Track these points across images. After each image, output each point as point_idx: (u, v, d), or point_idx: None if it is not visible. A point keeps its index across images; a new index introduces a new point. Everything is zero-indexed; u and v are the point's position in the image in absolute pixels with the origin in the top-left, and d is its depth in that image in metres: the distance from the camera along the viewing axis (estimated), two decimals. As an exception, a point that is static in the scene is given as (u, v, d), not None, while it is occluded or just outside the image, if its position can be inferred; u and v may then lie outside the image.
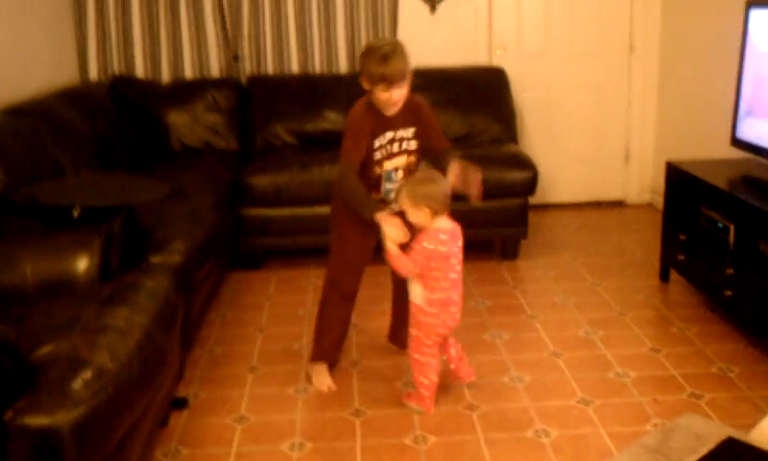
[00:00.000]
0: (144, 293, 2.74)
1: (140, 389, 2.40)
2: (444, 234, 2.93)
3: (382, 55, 2.97)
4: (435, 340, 3.05)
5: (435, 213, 2.91)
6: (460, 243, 3.02)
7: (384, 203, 3.15)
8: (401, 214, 2.99)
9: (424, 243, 2.92)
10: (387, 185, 3.19)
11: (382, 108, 3.07)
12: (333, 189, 3.30)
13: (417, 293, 3.02)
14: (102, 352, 2.28)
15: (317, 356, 3.37)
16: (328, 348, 3.38)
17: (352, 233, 3.22)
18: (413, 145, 3.20)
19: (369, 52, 3.05)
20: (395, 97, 3.02)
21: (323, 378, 3.31)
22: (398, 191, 3.04)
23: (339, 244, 3.28)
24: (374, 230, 2.99)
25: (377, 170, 3.15)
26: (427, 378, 3.07)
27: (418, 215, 2.93)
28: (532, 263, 4.68)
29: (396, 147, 3.15)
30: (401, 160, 3.18)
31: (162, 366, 2.62)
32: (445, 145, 3.30)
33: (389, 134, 3.13)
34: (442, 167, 3.16)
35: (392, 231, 2.87)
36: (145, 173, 4.29)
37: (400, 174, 3.19)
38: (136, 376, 2.37)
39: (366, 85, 3.06)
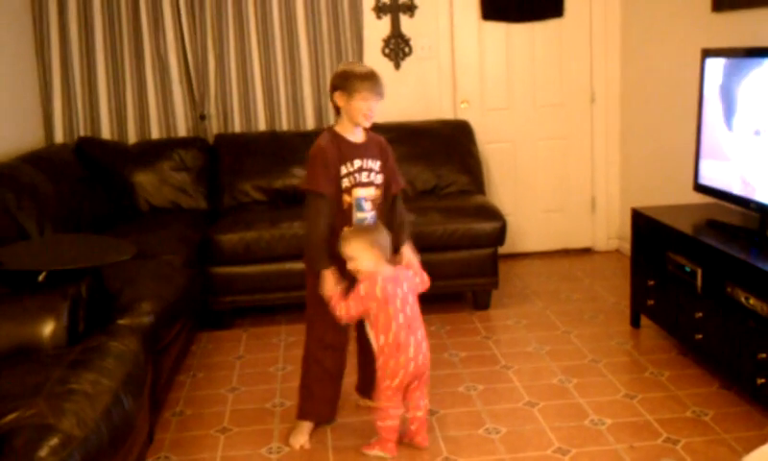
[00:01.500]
0: (112, 356, 2.70)
1: (108, 455, 2.34)
2: (383, 280, 3.00)
3: (362, 70, 3.18)
4: (398, 384, 3.03)
5: (378, 259, 3.02)
6: (407, 286, 3.07)
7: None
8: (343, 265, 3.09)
9: (360, 288, 3.01)
10: (358, 215, 3.17)
11: (358, 121, 3.14)
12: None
13: (371, 337, 3.09)
14: (69, 418, 2.23)
15: (304, 415, 3.29)
16: (318, 405, 3.30)
17: (324, 275, 3.15)
18: (380, 179, 3.23)
19: (346, 69, 3.19)
20: (373, 109, 3.13)
21: (299, 437, 3.24)
22: (343, 237, 3.08)
23: (319, 300, 3.16)
24: (344, 272, 3.09)
25: (347, 198, 3.15)
26: (387, 422, 3.07)
27: (362, 260, 3.02)
28: (504, 313, 4.69)
29: (364, 176, 3.17)
30: (370, 192, 3.20)
31: (131, 430, 2.56)
32: (401, 186, 3.40)
33: (357, 162, 3.15)
34: (390, 212, 3.32)
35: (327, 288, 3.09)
36: (112, 234, 4.25)
37: (369, 205, 3.20)
38: (105, 442, 2.31)
39: (341, 101, 3.13)
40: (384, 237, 3.09)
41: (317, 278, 3.16)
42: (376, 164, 3.22)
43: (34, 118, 5.14)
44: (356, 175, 3.15)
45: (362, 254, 3.03)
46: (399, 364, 3.00)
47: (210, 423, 3.47)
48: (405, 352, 3.00)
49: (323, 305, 3.15)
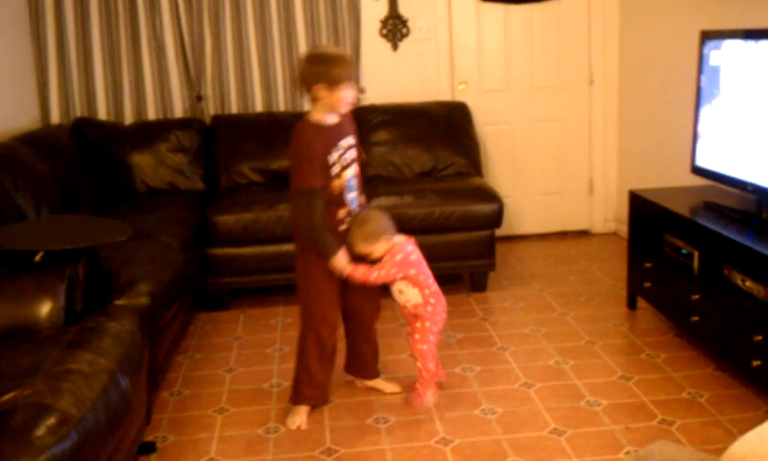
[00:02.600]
0: (108, 336, 2.70)
1: (106, 434, 2.35)
2: (405, 245, 3.29)
3: (339, 56, 3.10)
4: (438, 328, 3.35)
5: (390, 237, 3.26)
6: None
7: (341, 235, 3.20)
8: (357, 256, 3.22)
9: (396, 258, 3.24)
10: (349, 195, 3.20)
11: (342, 110, 3.12)
12: (295, 226, 3.26)
13: (413, 294, 3.31)
14: (66, 398, 2.23)
15: (302, 399, 3.29)
16: (316, 387, 3.30)
17: (322, 263, 3.18)
18: (355, 153, 3.24)
19: (322, 58, 3.10)
20: (353, 96, 3.12)
21: (296, 418, 3.26)
22: (349, 239, 3.21)
23: (312, 279, 3.21)
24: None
25: (337, 183, 3.14)
26: (431, 363, 3.34)
27: (378, 249, 3.24)
28: (501, 295, 4.69)
29: (348, 156, 3.18)
30: (354, 169, 3.22)
31: (128, 410, 2.57)
32: (363, 157, 3.42)
33: (341, 145, 3.15)
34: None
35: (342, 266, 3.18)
36: (109, 215, 4.25)
37: (355, 181, 3.23)
38: (102, 422, 2.32)
39: (322, 92, 3.05)
40: (384, 220, 3.27)
41: (311, 258, 3.18)
42: (352, 139, 3.23)
43: (30, 99, 5.12)
44: (342, 158, 3.15)
45: (375, 246, 3.23)
46: (444, 308, 3.35)
47: (208, 403, 3.48)
48: (442, 299, 3.36)
49: (321, 283, 3.19)
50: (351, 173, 3.20)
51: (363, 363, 3.50)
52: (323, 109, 3.11)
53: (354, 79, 3.12)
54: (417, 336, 3.33)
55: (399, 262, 3.25)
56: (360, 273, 3.21)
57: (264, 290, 4.74)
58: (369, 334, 3.47)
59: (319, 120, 3.13)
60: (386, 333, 3.96)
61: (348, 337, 3.50)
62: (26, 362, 2.44)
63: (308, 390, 3.30)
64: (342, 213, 3.18)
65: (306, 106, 5.31)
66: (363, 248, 3.21)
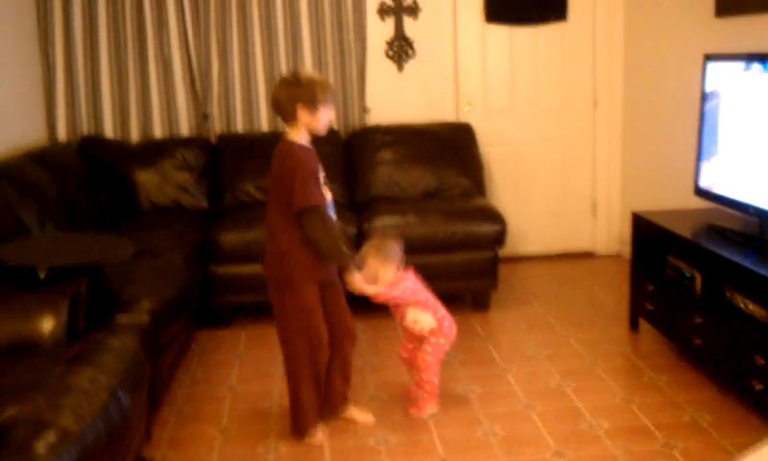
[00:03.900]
0: (110, 353, 2.70)
1: (106, 451, 2.34)
2: (409, 276, 3.42)
3: (320, 79, 3.16)
4: (448, 346, 3.49)
5: (398, 268, 3.37)
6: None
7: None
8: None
9: (406, 284, 3.38)
10: (332, 217, 3.22)
11: (318, 132, 3.15)
12: (276, 252, 3.18)
13: (426, 320, 3.43)
14: (66, 414, 2.23)
15: (303, 433, 3.25)
16: (314, 416, 3.26)
17: (310, 285, 3.17)
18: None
19: (303, 80, 3.09)
20: (332, 119, 3.20)
21: (319, 436, 3.25)
22: (363, 251, 3.36)
23: (302, 309, 3.17)
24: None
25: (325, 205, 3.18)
26: (436, 378, 3.46)
27: (387, 272, 3.33)
28: (503, 315, 4.69)
29: (323, 178, 3.20)
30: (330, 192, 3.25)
31: (129, 427, 2.57)
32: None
33: (320, 168, 3.19)
34: None
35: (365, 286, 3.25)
36: (113, 232, 4.27)
37: (333, 205, 3.26)
38: (102, 438, 2.32)
39: (305, 116, 3.07)
40: (399, 249, 3.41)
41: (294, 291, 3.15)
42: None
43: (37, 116, 5.15)
44: (323, 178, 3.19)
45: (386, 267, 3.34)
46: (454, 328, 3.47)
47: (208, 421, 3.48)
48: (454, 326, 3.49)
49: (314, 309, 3.18)
50: (329, 195, 3.22)
51: (332, 398, 3.39)
52: (302, 132, 3.13)
53: (333, 102, 3.17)
54: (429, 349, 3.43)
55: (411, 289, 3.38)
56: (374, 291, 3.30)
57: (266, 308, 4.71)
58: (344, 368, 3.38)
59: (302, 142, 3.14)
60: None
61: (330, 375, 3.39)
62: (27, 378, 2.44)
63: (308, 420, 3.25)
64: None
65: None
66: (374, 264, 3.30)
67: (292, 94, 3.08)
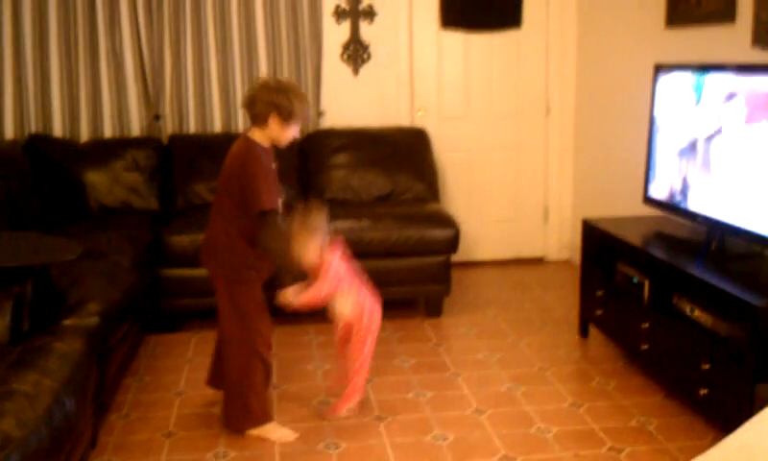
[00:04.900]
0: (54, 356, 2.65)
1: (49, 457, 2.29)
2: (334, 256, 3.33)
3: (302, 96, 3.17)
4: (377, 331, 3.47)
5: (324, 239, 3.30)
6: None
7: None
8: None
9: (331, 269, 3.30)
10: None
11: (281, 144, 3.19)
12: (225, 245, 3.22)
13: (347, 306, 3.40)
14: (8, 419, 2.18)
15: (255, 422, 3.28)
16: (266, 407, 3.33)
17: (255, 283, 3.23)
18: None
19: (288, 91, 3.12)
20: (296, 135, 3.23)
21: (281, 432, 3.28)
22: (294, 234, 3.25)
23: (248, 304, 3.23)
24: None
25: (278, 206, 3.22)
26: (363, 373, 3.47)
27: (312, 248, 3.26)
28: (455, 320, 4.71)
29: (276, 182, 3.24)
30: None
31: (73, 433, 2.52)
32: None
33: (274, 166, 3.22)
34: None
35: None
36: (60, 233, 4.17)
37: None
38: (45, 444, 2.27)
39: (274, 125, 3.11)
40: (324, 220, 3.33)
41: (242, 286, 3.21)
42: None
43: (-17, 113, 5.03)
44: (276, 183, 3.22)
45: (311, 242, 3.26)
46: (379, 314, 3.46)
47: (156, 426, 3.42)
48: (377, 306, 3.46)
49: (259, 307, 3.24)
50: (281, 199, 3.26)
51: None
52: (265, 137, 3.17)
53: (305, 120, 3.23)
54: (358, 345, 3.43)
55: (333, 275, 3.31)
56: (306, 299, 3.28)
57: (215, 312, 4.67)
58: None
59: (260, 141, 3.17)
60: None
61: (217, 350, 3.52)
62: (-33, 382, 2.38)
63: (260, 409, 3.29)
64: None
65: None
66: (300, 238, 3.23)
67: (270, 101, 3.10)
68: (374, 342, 3.47)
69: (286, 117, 3.10)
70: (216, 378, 3.53)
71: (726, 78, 3.45)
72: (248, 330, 3.24)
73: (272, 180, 3.14)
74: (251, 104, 3.16)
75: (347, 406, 3.46)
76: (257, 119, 3.14)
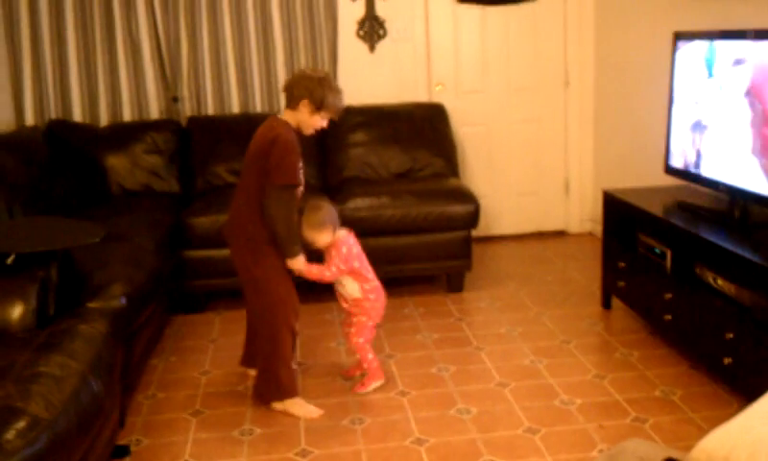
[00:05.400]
0: (80, 339, 2.68)
1: (77, 438, 2.33)
2: (347, 238, 3.43)
3: (338, 88, 3.27)
4: (374, 323, 3.53)
5: (334, 229, 3.40)
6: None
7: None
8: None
9: (341, 249, 3.39)
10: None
11: (306, 131, 3.29)
12: (253, 219, 3.27)
13: (354, 288, 3.46)
14: (36, 401, 2.22)
15: (286, 394, 3.34)
16: (294, 380, 3.39)
17: (277, 253, 3.28)
18: None
19: (326, 82, 3.23)
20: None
21: (307, 408, 3.33)
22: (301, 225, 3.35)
23: (278, 275, 3.30)
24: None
25: (301, 189, 3.31)
26: (370, 354, 3.53)
27: (323, 238, 3.38)
28: (477, 295, 4.71)
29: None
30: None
31: (100, 413, 2.55)
32: None
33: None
34: None
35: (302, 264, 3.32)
36: (83, 217, 4.21)
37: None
38: (73, 425, 2.30)
39: (305, 110, 3.21)
40: (333, 211, 3.44)
41: (274, 257, 3.27)
42: None
43: (4, 100, 5.07)
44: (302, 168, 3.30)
45: (321, 235, 3.38)
46: (383, 304, 3.52)
47: (182, 405, 3.46)
48: (382, 294, 3.52)
49: (287, 277, 3.32)
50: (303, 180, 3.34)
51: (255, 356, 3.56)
52: (294, 120, 3.26)
53: (335, 116, 3.31)
54: (353, 330, 3.51)
55: (344, 256, 3.38)
56: (316, 271, 3.38)
57: (239, 292, 4.70)
58: None
59: (291, 122, 3.27)
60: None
61: (249, 331, 3.60)
62: (-4, 365, 2.42)
63: (288, 381, 3.34)
64: (297, 219, 3.33)
65: (283, 107, 5.38)
66: (309, 234, 3.36)
67: (306, 87, 3.21)
68: (373, 330, 3.55)
69: (317, 105, 3.20)
70: (247, 358, 3.62)
71: (746, 45, 3.40)
72: (273, 298, 3.30)
73: (299, 159, 3.23)
74: (288, 86, 3.27)
75: (372, 384, 3.51)
76: (291, 101, 3.24)
